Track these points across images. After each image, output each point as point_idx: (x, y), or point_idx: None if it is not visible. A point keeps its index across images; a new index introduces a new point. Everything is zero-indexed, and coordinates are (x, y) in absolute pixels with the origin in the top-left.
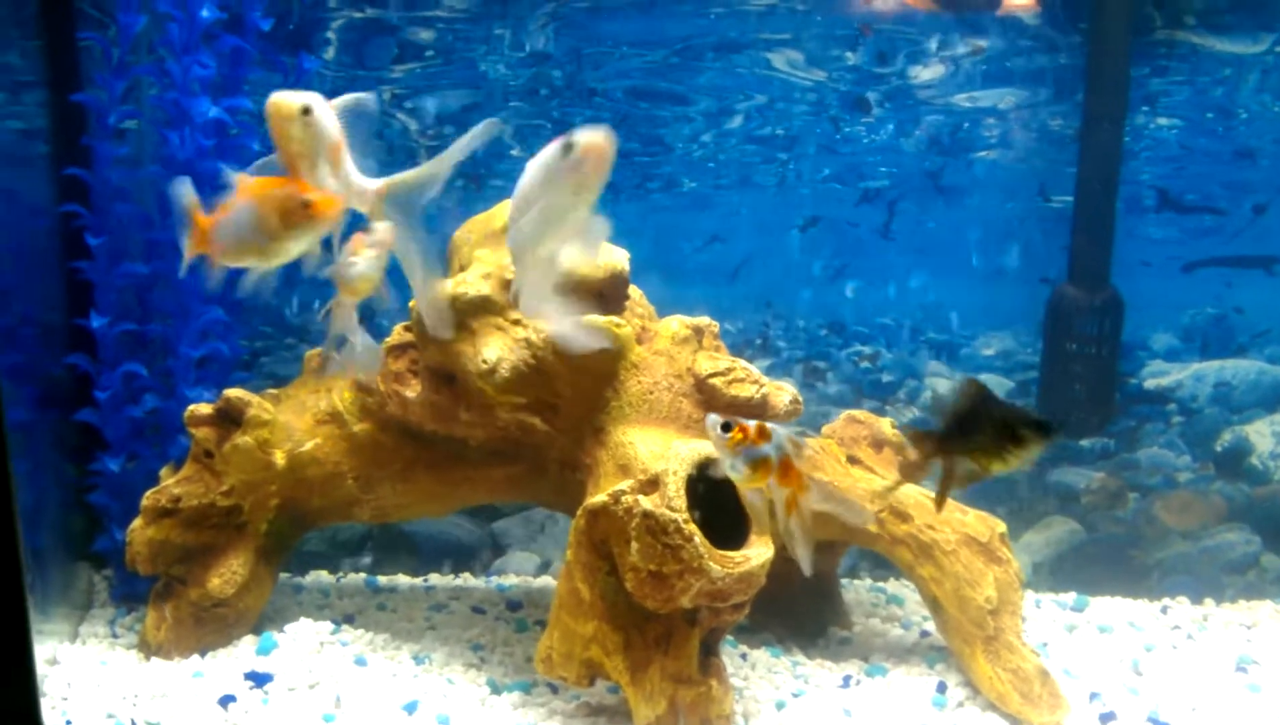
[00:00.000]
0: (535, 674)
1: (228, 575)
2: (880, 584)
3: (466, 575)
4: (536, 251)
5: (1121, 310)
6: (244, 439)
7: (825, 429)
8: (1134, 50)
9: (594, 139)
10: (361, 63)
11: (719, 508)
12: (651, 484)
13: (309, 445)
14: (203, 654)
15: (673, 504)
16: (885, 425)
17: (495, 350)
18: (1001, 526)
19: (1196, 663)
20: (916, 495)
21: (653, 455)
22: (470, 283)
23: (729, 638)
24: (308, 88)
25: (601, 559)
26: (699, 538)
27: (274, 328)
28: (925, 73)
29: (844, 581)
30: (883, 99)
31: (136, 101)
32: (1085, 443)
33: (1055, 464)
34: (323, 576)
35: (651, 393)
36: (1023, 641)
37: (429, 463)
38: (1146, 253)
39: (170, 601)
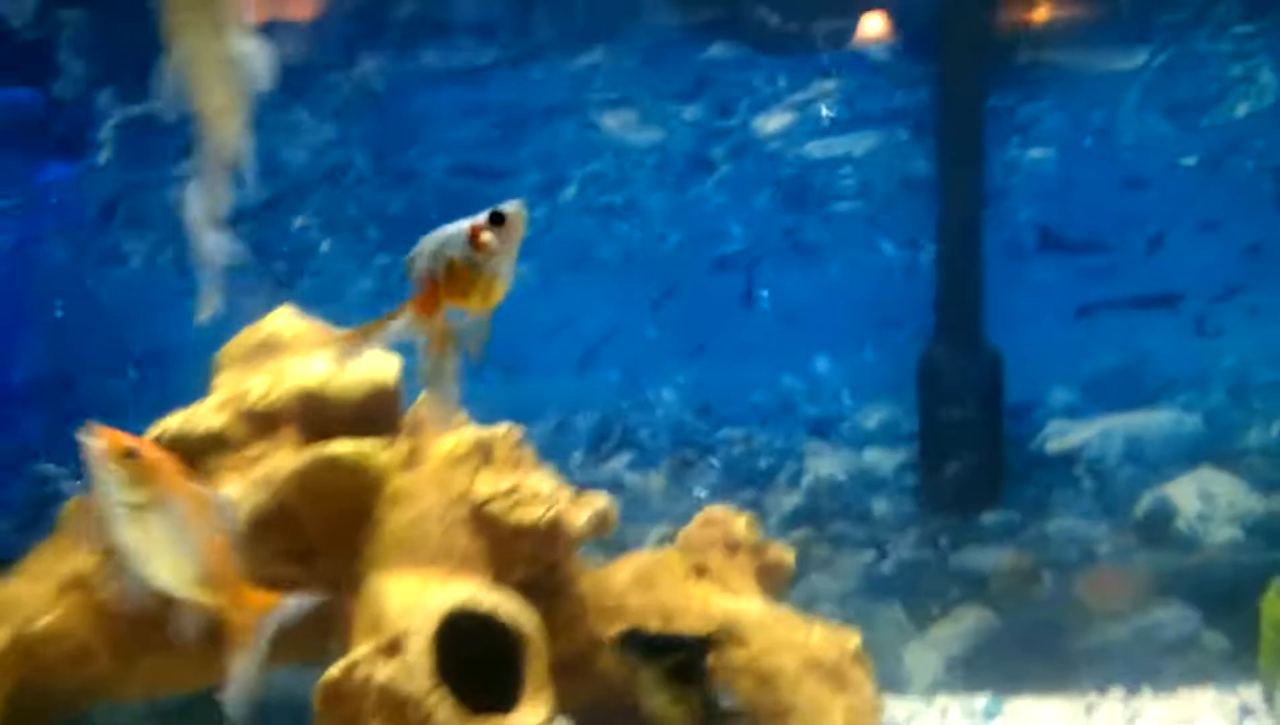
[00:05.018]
0: None
1: None
2: None
3: None
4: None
5: (1000, 365)
6: None
7: (681, 534)
8: (998, 78)
9: None
10: (144, 160)
11: (490, 659)
12: (394, 647)
13: (44, 620)
14: None
15: (415, 671)
16: (741, 525)
17: (231, 493)
18: (854, 642)
19: None
20: (759, 616)
21: (403, 610)
22: (201, 416)
23: None
24: (67, 193)
25: None
26: (446, 711)
27: None
28: (771, 122)
29: None
30: (728, 155)
31: None
32: (988, 518)
33: (957, 546)
34: None
35: (417, 528)
36: None
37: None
38: (1033, 300)
39: None
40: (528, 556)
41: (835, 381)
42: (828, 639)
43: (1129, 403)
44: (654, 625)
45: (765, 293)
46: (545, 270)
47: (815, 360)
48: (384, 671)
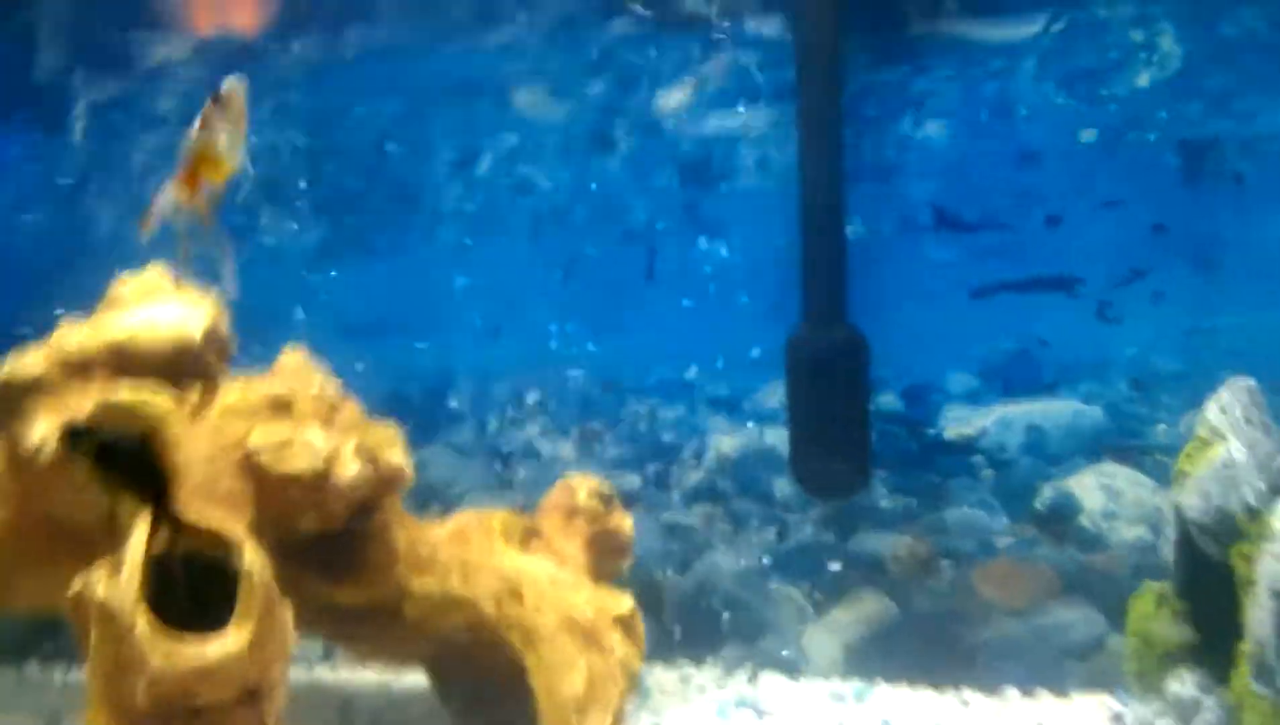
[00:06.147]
0: None
1: None
2: None
3: None
4: None
5: (862, 349)
6: None
7: (543, 497)
8: (891, 48)
9: None
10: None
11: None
12: (114, 568)
13: None
14: None
15: (124, 590)
16: (582, 491)
17: (42, 428)
18: (622, 608)
19: None
20: (540, 576)
21: (134, 537)
22: (25, 363)
23: None
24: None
25: None
26: (143, 625)
27: None
28: (671, 98)
29: None
30: (630, 130)
31: None
32: (885, 503)
33: (855, 529)
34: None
35: (180, 470)
36: None
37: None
38: (928, 280)
39: None
40: (304, 504)
41: (738, 361)
42: (595, 600)
43: (1026, 390)
44: (453, 580)
45: (666, 267)
46: (463, 241)
47: (718, 338)
48: (103, 588)
